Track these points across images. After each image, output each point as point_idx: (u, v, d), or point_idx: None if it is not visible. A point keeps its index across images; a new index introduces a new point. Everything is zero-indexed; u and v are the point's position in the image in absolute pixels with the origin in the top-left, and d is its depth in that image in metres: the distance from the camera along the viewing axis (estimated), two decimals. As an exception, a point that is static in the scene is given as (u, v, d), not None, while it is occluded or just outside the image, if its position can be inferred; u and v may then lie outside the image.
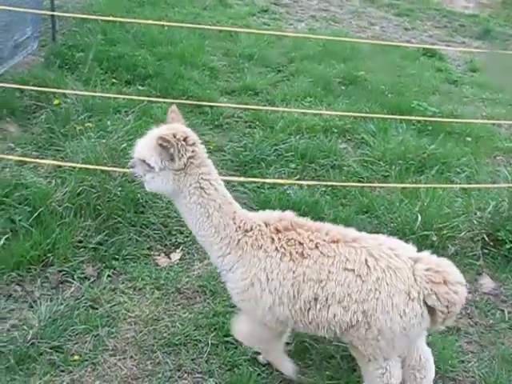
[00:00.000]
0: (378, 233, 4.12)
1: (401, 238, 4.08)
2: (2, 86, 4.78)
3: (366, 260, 2.56)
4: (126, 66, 6.39)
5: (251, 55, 7.35)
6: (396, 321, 2.53)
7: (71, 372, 3.11)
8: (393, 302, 2.52)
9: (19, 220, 3.94)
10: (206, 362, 3.24)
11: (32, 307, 3.49)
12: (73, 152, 4.59)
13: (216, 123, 5.67)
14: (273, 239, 2.68)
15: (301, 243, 2.64)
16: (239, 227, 2.72)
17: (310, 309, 2.63)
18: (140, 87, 6.15)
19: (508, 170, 5.09)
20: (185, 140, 2.63)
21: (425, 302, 2.54)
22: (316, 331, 2.73)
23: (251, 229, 2.71)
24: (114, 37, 7.14)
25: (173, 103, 5.50)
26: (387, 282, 2.53)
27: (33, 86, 5.52)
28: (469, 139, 5.78)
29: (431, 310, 2.55)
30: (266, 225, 2.73)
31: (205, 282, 3.82)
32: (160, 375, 3.15)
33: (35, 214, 3.93)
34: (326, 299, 2.58)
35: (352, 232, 2.75)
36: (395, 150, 5.27)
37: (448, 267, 2.60)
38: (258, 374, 3.16)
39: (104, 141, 4.70)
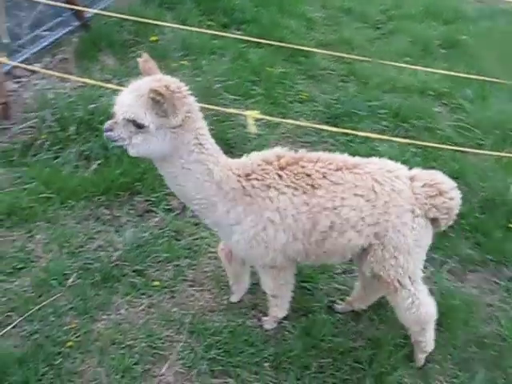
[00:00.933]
0: (467, 201, 4.05)
1: (491, 209, 4.03)
2: (108, 14, 4.84)
3: (373, 186, 2.59)
4: (223, 10, 6.34)
5: (349, 9, 7.12)
6: (407, 235, 2.64)
7: (150, 296, 3.22)
8: (401, 221, 2.62)
9: (112, 147, 4.03)
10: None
11: (118, 231, 3.61)
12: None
13: (310, 73, 5.57)
14: (280, 176, 2.57)
15: (308, 175, 2.57)
16: (239, 175, 2.56)
17: (325, 238, 2.61)
18: (236, 31, 6.08)
19: None
20: (179, 92, 2.34)
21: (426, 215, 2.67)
22: (328, 260, 2.81)
23: (253, 172, 2.57)
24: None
25: (271, 46, 5.56)
26: (394, 204, 2.60)
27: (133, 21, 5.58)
28: None
29: (434, 220, 2.70)
30: (268, 163, 2.60)
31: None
32: (235, 311, 3.19)
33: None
34: (342, 225, 2.57)
35: (349, 158, 2.72)
36: (493, 119, 5.01)
37: (439, 177, 2.71)
38: (332, 323, 3.14)
39: (199, 79, 4.71)
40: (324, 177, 2.58)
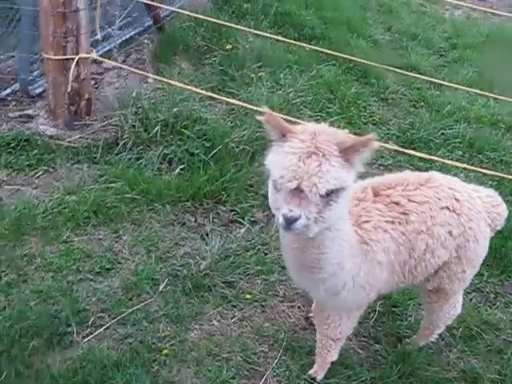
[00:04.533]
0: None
1: None
2: (188, 13, 4.82)
3: (454, 194, 2.50)
4: (292, 24, 6.32)
5: (415, 34, 7.08)
6: (482, 245, 2.60)
7: (242, 309, 3.14)
8: (480, 229, 2.55)
9: (197, 153, 3.99)
10: (372, 327, 3.17)
11: (203, 239, 3.55)
12: (248, 97, 4.61)
13: (381, 96, 5.52)
14: (380, 211, 2.38)
15: (396, 203, 2.41)
16: (352, 223, 2.32)
17: (419, 263, 2.48)
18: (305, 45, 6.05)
19: None
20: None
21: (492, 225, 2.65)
22: (411, 285, 2.68)
23: (358, 215, 2.35)
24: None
25: (343, 65, 5.55)
26: (475, 211, 2.54)
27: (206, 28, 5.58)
28: None
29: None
30: (361, 199, 2.40)
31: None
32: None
33: (214, 151, 3.97)
34: (434, 245, 2.46)
35: (417, 174, 2.66)
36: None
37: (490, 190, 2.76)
38: (425, 351, 3.06)
39: (279, 92, 4.68)
40: (409, 200, 2.45)
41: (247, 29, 5.32)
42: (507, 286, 3.59)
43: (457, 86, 5.09)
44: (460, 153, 4.80)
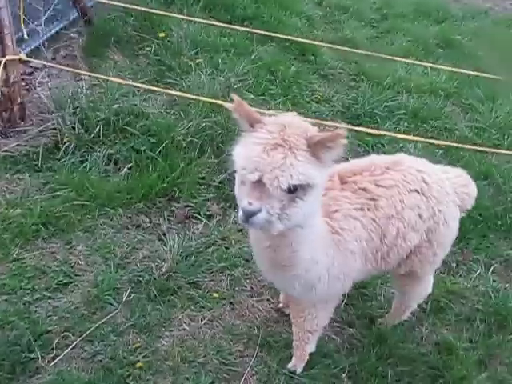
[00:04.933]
0: (498, 201, 4.06)
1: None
2: (114, 4, 4.58)
3: (422, 177, 2.46)
4: (223, 6, 6.13)
5: (345, 7, 7.06)
6: (453, 227, 2.58)
7: (211, 309, 3.07)
8: (450, 211, 2.54)
9: (144, 150, 3.83)
10: (344, 311, 3.16)
11: (161, 240, 3.43)
12: (189, 87, 4.46)
13: (321, 73, 5.48)
14: (348, 198, 2.33)
15: (364, 189, 2.36)
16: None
17: (391, 248, 2.44)
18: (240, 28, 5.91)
19: None
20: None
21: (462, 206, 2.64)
22: (385, 270, 2.63)
23: (327, 204, 2.30)
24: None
25: (279, 44, 5.45)
26: (444, 193, 2.52)
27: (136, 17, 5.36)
28: None
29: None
30: (329, 188, 2.33)
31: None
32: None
33: (161, 146, 3.82)
34: (405, 229, 2.42)
35: (383, 158, 2.60)
36: (507, 119, 5.06)
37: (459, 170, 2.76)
38: (400, 331, 3.07)
39: (221, 78, 4.55)
40: (377, 185, 2.40)
41: (179, 16, 5.15)
42: (467, 253, 3.66)
43: (393, 57, 5.10)
44: (406, 124, 4.84)
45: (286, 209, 1.86)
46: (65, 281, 3.06)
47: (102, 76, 4.06)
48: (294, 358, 2.79)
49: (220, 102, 3.80)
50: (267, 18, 6.07)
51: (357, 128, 4.19)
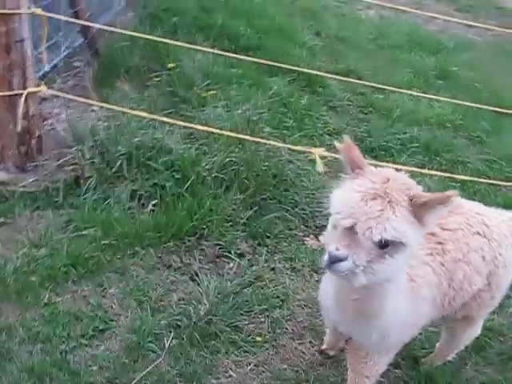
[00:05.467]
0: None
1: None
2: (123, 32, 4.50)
3: (483, 220, 2.42)
4: (227, 36, 6.13)
5: (343, 38, 7.13)
6: (510, 271, 2.51)
7: (255, 354, 2.95)
8: (508, 253, 2.47)
9: (169, 187, 3.72)
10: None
11: (194, 280, 3.32)
12: (207, 119, 4.39)
13: (330, 105, 5.48)
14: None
15: (432, 233, 2.29)
16: None
17: (457, 293, 2.40)
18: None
19: None
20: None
21: None
22: (447, 315, 2.56)
23: None
24: (205, 4, 6.85)
25: (286, 75, 5.42)
26: (503, 235, 2.47)
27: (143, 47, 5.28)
28: None
29: None
30: None
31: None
32: (344, 363, 2.98)
33: (188, 182, 3.73)
34: (470, 272, 2.38)
35: None
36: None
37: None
38: (447, 371, 3.01)
39: (239, 111, 4.49)
40: (443, 228, 2.36)
41: (190, 45, 5.08)
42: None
43: (400, 90, 5.14)
44: (420, 157, 4.85)
45: (373, 263, 1.80)
46: (101, 327, 2.91)
47: (123, 109, 3.94)
48: None
49: (253, 137, 3.76)
50: (271, 49, 6.06)
51: (377, 163, 4.17)
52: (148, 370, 2.71)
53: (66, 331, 2.85)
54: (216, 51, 4.82)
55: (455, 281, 2.36)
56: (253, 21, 6.67)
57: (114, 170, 3.78)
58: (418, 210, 1.79)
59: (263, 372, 2.86)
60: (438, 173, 4.30)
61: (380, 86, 5.24)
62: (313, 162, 4.28)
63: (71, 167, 3.81)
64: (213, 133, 4.01)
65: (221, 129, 4.02)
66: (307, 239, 3.85)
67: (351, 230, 1.77)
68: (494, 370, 3.10)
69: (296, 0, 8.39)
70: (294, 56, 6.07)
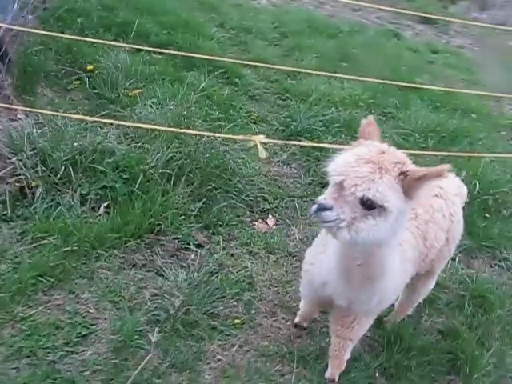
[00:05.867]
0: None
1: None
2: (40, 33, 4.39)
3: (437, 183, 2.62)
4: (136, 33, 6.05)
5: (248, 29, 7.32)
6: (462, 225, 2.88)
7: (236, 336, 3.11)
8: (459, 210, 2.86)
9: (118, 187, 3.75)
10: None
11: (161, 275, 3.40)
12: (140, 118, 4.42)
13: (249, 94, 5.65)
14: None
15: None
16: None
17: (430, 251, 2.71)
18: (158, 55, 5.91)
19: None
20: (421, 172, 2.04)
21: None
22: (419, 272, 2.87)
23: None
24: (106, 2, 6.74)
25: (202, 68, 5.53)
26: (454, 195, 2.85)
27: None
28: (473, 116, 6.27)
29: None
30: None
31: (307, 245, 3.88)
32: (317, 332, 3.22)
33: (137, 181, 3.76)
34: (437, 230, 2.70)
35: None
36: (424, 124, 5.60)
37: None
38: (409, 325, 3.33)
39: (170, 108, 4.56)
40: None
41: (112, 43, 5.08)
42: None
43: (315, 72, 5.46)
44: (343, 136, 5.16)
45: (356, 220, 1.98)
46: (83, 332, 2.93)
47: (61, 113, 3.89)
48: (330, 367, 2.93)
49: (198, 131, 3.85)
50: (182, 44, 6.11)
51: (307, 144, 4.46)
52: (141, 366, 2.77)
53: (49, 342, 2.84)
54: (148, 48, 4.88)
55: (428, 240, 2.67)
56: (158, 17, 6.65)
57: (58, 176, 3.73)
58: (413, 183, 2.00)
59: (248, 351, 3.03)
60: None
61: (296, 69, 5.54)
62: (246, 150, 4.51)
63: (14, 178, 3.69)
64: (153, 130, 4.07)
65: (159, 125, 4.08)
66: (256, 223, 4.03)
67: (340, 186, 1.98)
68: (446, 318, 3.48)
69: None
70: (205, 49, 6.13)
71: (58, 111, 4.31)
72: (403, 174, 2.00)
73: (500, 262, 4.16)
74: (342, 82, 6.07)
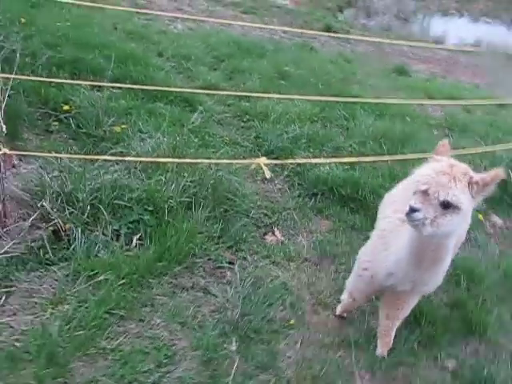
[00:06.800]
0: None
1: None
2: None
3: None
4: (92, 71, 6.21)
5: (187, 56, 7.66)
6: None
7: (295, 334, 3.55)
8: None
9: (148, 220, 4.02)
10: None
11: (209, 293, 3.72)
12: (139, 153, 4.67)
13: (214, 119, 6.02)
14: None
15: None
16: None
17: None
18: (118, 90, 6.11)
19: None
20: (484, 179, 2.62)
21: None
22: None
23: None
24: (48, 40, 6.80)
25: (163, 100, 5.84)
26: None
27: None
28: (408, 119, 7.11)
29: None
30: None
31: (317, 249, 4.39)
32: (355, 320, 3.72)
33: (166, 211, 4.05)
34: None
35: None
36: (374, 131, 6.28)
37: None
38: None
39: (161, 139, 4.86)
40: None
41: (92, 83, 5.25)
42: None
43: (269, 95, 5.99)
44: (311, 149, 5.70)
45: (437, 218, 2.54)
46: (168, 353, 3.19)
47: (75, 155, 4.07)
48: (380, 346, 3.47)
49: (208, 160, 4.20)
50: (137, 77, 6.33)
51: (287, 161, 4.96)
52: (233, 371, 3.11)
53: (143, 367, 3.07)
54: (127, 86, 5.09)
55: None
56: (103, 52, 6.82)
57: (85, 215, 3.92)
58: (477, 188, 2.59)
59: (309, 346, 3.47)
60: (336, 160, 5.21)
61: (248, 94, 6.01)
62: (238, 172, 4.91)
63: (45, 224, 3.83)
64: (158, 162, 4.37)
65: (160, 157, 4.39)
66: (266, 237, 4.45)
67: (425, 193, 2.56)
68: (448, 293, 4.10)
69: (117, 24, 8.63)
70: (158, 80, 6.44)
71: (55, 153, 4.45)
72: (474, 183, 2.58)
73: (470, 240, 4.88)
74: (292, 100, 6.60)
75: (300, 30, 10.70)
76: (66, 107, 5.25)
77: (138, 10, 9.86)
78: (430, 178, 2.54)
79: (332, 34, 10.25)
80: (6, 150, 3.66)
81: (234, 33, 10.07)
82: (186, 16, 11.03)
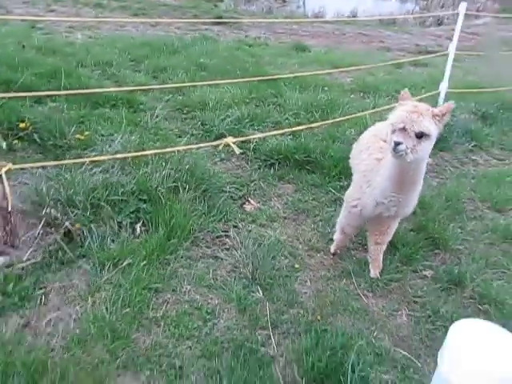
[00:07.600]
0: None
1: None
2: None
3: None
4: (23, 88, 6.38)
5: (108, 62, 7.95)
6: None
7: (303, 274, 4.13)
8: None
9: (145, 208, 4.42)
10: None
11: (218, 258, 4.21)
12: (111, 152, 5.03)
13: (156, 115, 6.42)
14: None
15: None
16: None
17: None
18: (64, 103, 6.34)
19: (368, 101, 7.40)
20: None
21: None
22: None
23: None
24: None
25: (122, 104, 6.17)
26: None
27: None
28: (326, 88, 7.87)
29: None
30: None
31: (291, 208, 5.00)
32: (343, 254, 4.38)
33: (158, 199, 4.47)
34: None
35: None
36: (303, 103, 6.96)
37: None
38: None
39: (132, 137, 5.23)
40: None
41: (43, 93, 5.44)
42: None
43: (203, 83, 6.50)
44: (256, 126, 6.29)
45: (416, 146, 3.22)
46: (209, 310, 3.65)
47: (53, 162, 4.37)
48: (372, 269, 4.13)
49: (184, 147, 4.64)
50: (73, 86, 6.59)
51: (260, 135, 5.51)
52: (268, 311, 3.64)
53: (193, 325, 3.52)
54: (74, 92, 5.34)
55: None
56: (32, 70, 6.98)
57: (88, 214, 4.25)
58: (440, 118, 3.28)
59: (317, 280, 4.06)
60: (281, 131, 5.83)
61: (189, 84, 6.48)
62: (203, 155, 5.40)
63: (54, 229, 4.12)
64: (142, 156, 4.77)
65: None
66: (245, 206, 4.99)
67: (403, 129, 3.21)
68: (411, 220, 4.87)
69: (22, 42, 8.71)
70: (94, 87, 6.72)
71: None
72: (436, 115, 3.27)
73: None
74: (223, 88, 7.14)
75: (198, 20, 11.15)
76: (22, 125, 5.43)
77: (36, 18, 9.98)
78: (404, 117, 3.14)
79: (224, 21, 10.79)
80: (10, 165, 3.89)
81: (138, 36, 10.38)
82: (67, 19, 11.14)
